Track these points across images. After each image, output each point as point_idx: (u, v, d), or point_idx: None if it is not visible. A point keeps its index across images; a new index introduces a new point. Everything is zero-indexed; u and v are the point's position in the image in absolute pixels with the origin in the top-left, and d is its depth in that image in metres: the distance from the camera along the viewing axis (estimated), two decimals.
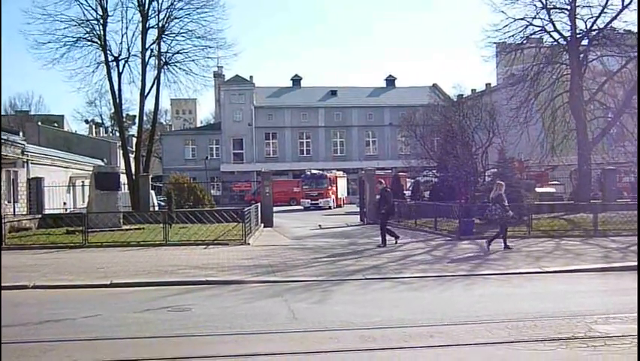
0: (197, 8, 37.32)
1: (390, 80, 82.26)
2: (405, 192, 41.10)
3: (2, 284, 13.14)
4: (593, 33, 33.44)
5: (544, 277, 15.12)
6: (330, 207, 55.23)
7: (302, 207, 56.42)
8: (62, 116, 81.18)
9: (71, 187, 41.63)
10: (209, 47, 37.96)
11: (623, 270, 15.80)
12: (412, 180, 43.16)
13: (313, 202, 56.37)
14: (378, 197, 24.46)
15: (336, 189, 60.21)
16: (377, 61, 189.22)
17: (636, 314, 10.28)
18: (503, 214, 20.15)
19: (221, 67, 66.63)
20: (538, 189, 37.04)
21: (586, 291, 13.16)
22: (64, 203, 38.37)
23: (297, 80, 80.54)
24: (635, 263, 16.68)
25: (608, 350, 8.29)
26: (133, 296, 12.98)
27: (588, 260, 17.45)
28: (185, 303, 12.02)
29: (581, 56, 33.19)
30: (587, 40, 33.71)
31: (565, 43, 33.56)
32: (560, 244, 21.01)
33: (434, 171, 38.96)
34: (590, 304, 11.35)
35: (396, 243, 21.69)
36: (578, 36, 33.26)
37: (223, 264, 17.36)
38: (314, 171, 60.22)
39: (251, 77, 77.30)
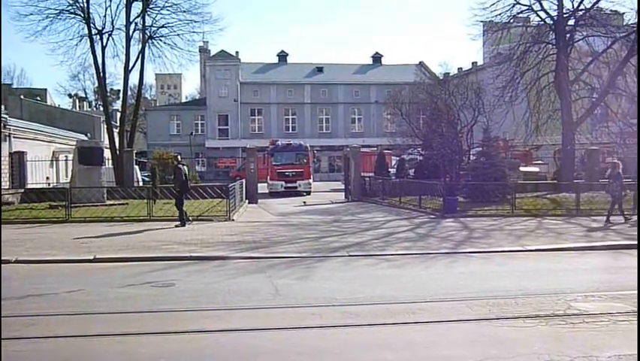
0: None
1: (377, 58, 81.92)
2: (390, 169, 41.18)
3: None
4: (580, 13, 33.42)
5: (526, 255, 15.28)
6: (309, 192, 40.23)
7: (268, 192, 39.99)
8: (45, 89, 79.98)
9: (54, 162, 41.23)
10: (195, 22, 37.57)
11: (603, 249, 16.00)
12: (397, 158, 43.19)
13: (288, 185, 40.46)
14: (172, 177, 23.94)
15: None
16: (364, 38, 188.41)
17: (615, 293, 10.47)
18: (620, 191, 21.52)
19: (207, 42, 65.83)
20: (522, 169, 37.32)
21: (566, 269, 13.31)
22: (47, 178, 38.06)
23: (283, 57, 80.00)
24: (615, 242, 16.95)
25: (587, 327, 8.43)
26: (116, 271, 12.96)
27: (570, 239, 17.65)
28: (168, 278, 12.03)
29: (567, 35, 33.20)
30: (573, 20, 33.69)
31: (551, 22, 33.54)
32: (543, 223, 21.20)
33: (419, 149, 39.00)
34: (571, 282, 11.50)
35: (177, 226, 20.31)
36: (564, 16, 33.23)
37: (207, 240, 17.36)
38: (287, 141, 46.72)
39: (237, 52, 76.69)
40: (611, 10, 35.02)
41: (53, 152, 41.19)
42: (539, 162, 43.51)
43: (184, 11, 37.09)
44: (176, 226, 20.24)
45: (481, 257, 14.94)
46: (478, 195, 26.27)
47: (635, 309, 9.28)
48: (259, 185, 35.00)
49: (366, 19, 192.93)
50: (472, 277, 12.58)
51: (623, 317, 8.91)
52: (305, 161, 42.28)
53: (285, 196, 38.12)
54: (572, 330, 8.29)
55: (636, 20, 32.01)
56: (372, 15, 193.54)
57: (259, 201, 32.35)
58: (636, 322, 8.63)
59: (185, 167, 21.94)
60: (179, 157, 23.52)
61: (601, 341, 7.77)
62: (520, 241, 17.19)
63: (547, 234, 18.79)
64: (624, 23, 34.97)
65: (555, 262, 14.30)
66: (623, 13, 36.11)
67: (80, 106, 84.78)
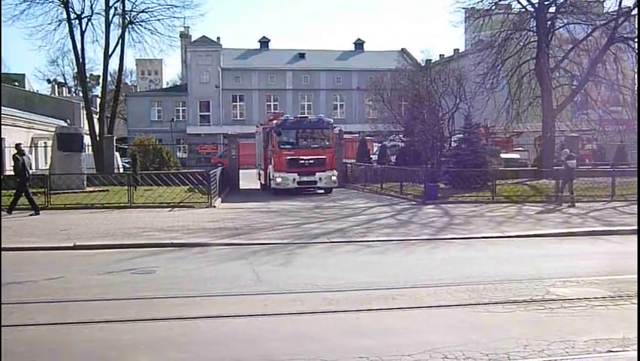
0: None
1: (359, 44, 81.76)
2: (371, 156, 41.28)
3: None
4: (560, 1, 33.58)
5: (506, 241, 15.41)
6: (331, 190, 28.85)
7: (270, 187, 29.34)
8: (23, 75, 78.82)
9: (33, 148, 40.73)
10: (175, 7, 37.23)
11: (582, 235, 16.18)
12: (379, 145, 43.29)
13: (304, 179, 28.01)
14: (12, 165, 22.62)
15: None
16: (346, 24, 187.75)
17: (593, 278, 10.61)
18: (566, 175, 22.33)
19: (188, 27, 65.41)
20: (503, 155, 37.61)
21: (545, 255, 13.45)
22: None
23: (264, 43, 79.57)
24: (593, 228, 17.15)
25: (565, 312, 8.53)
26: (96, 258, 12.91)
27: (549, 225, 17.81)
28: (149, 265, 12.00)
29: (548, 23, 33.33)
30: (554, 8, 33.84)
31: (532, 10, 33.64)
32: (522, 210, 21.39)
33: (401, 135, 39.14)
34: (549, 268, 11.61)
35: (32, 215, 19.78)
36: (545, 3, 33.35)
37: (188, 226, 17.30)
38: (302, 114, 36.11)
39: (218, 38, 76.15)
40: None
41: (32, 138, 40.75)
42: (520, 148, 43.84)
43: None
44: (31, 215, 19.76)
45: (462, 243, 15.04)
46: (459, 181, 26.43)
47: (612, 294, 9.43)
48: (250, 174, 34.91)
49: (349, 5, 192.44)
50: (452, 263, 12.67)
51: (600, 302, 9.04)
52: (328, 143, 28.72)
53: (300, 195, 27.16)
54: (550, 315, 8.39)
55: (617, 8, 32.25)
56: (355, 1, 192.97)
57: (241, 186, 32.29)
58: (613, 307, 8.78)
59: (25, 157, 21.08)
60: (21, 146, 21.65)
61: (578, 325, 7.87)
62: (500, 228, 17.33)
63: (526, 220, 18.96)
64: (604, 11, 35.22)
65: (534, 248, 14.44)
66: (603, 1, 36.44)
67: (59, 92, 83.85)
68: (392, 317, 8.47)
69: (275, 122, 29.10)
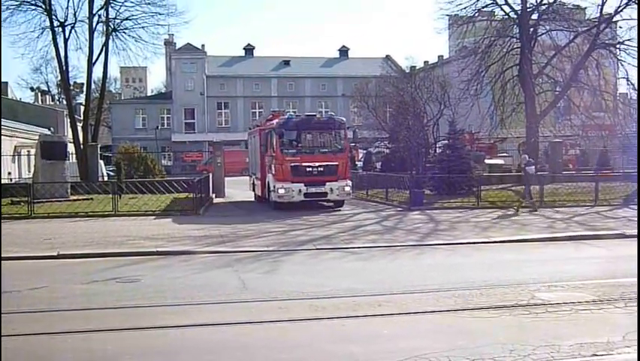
0: None
1: (344, 51, 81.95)
2: (357, 162, 41.34)
3: None
4: (543, 7, 33.94)
5: (491, 246, 15.47)
6: (342, 203, 24.48)
7: (270, 200, 24.43)
8: (6, 83, 78.26)
9: (17, 157, 40.45)
10: (159, 14, 37.00)
11: (566, 240, 16.29)
12: (364, 151, 43.36)
13: (312, 190, 23.33)
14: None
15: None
16: (330, 31, 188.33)
17: (577, 282, 10.69)
18: (528, 180, 23.22)
19: (172, 35, 64.99)
20: (487, 161, 37.73)
21: (530, 260, 13.52)
22: (9, 173, 37.29)
23: (249, 50, 79.57)
24: (577, 233, 17.28)
25: (550, 316, 8.58)
26: (81, 268, 12.80)
27: (533, 230, 17.91)
28: (134, 274, 11.93)
29: (531, 30, 33.67)
30: (536, 15, 34.17)
31: (515, 17, 33.96)
32: (507, 215, 21.47)
33: (386, 142, 39.24)
34: (534, 273, 11.67)
35: None
36: (528, 10, 33.69)
37: (173, 234, 17.22)
38: (311, 113, 29.61)
39: (203, 45, 76.01)
40: (573, 5, 35.72)
41: (15, 147, 40.42)
42: (504, 154, 44.04)
43: (148, 3, 36.52)
44: None
45: (447, 249, 15.09)
46: (445, 187, 26.52)
47: (596, 298, 9.49)
48: (236, 182, 34.81)
49: (334, 13, 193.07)
50: (437, 268, 12.71)
51: (585, 306, 9.09)
52: (340, 147, 24.01)
53: (306, 210, 22.51)
54: (535, 320, 8.44)
55: (598, 15, 32.62)
56: (340, 8, 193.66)
57: (226, 194, 32.19)
58: (598, 311, 8.84)
59: None
60: None
61: (563, 330, 7.92)
62: (486, 233, 17.41)
63: (511, 225, 19.04)
64: (586, 18, 35.60)
65: (519, 253, 14.53)
66: (585, 8, 36.84)
67: (42, 100, 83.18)
68: (378, 323, 8.47)
69: (276, 121, 24.19)
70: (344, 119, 24.86)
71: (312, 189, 23.00)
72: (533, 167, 23.84)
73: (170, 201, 24.43)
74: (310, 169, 23.05)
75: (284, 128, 23.33)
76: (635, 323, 7.64)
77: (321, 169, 23.10)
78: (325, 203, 24.12)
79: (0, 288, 9.86)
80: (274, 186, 23.15)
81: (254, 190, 28.79)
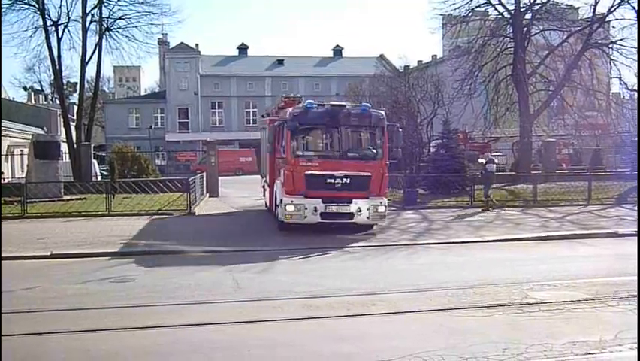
0: None
1: (338, 50, 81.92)
2: None
3: None
4: (536, 7, 33.97)
5: (484, 246, 15.53)
6: (371, 226, 17.72)
7: (277, 218, 18.08)
8: None
9: (9, 156, 40.29)
10: (153, 13, 36.87)
11: (559, 239, 16.36)
12: None
13: (333, 209, 16.83)
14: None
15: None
16: (324, 30, 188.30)
17: (569, 281, 10.73)
18: (485, 180, 23.03)
19: (166, 34, 64.59)
20: (481, 160, 37.79)
21: (523, 259, 13.58)
22: (2, 173, 37.11)
23: (243, 49, 79.46)
24: (570, 232, 17.34)
25: (543, 315, 8.62)
26: (74, 267, 12.77)
27: (527, 229, 17.98)
28: (127, 274, 11.91)
29: (524, 29, 33.68)
30: (530, 14, 34.21)
31: (509, 16, 33.97)
32: (500, 214, 21.52)
33: None
34: (527, 271, 11.72)
35: None
36: (521, 9, 33.71)
37: (167, 234, 17.19)
38: (336, 102, 20.19)
39: (196, 44, 75.84)
40: (566, 5, 35.74)
41: (8, 146, 40.24)
42: (498, 153, 44.12)
43: (141, 2, 36.39)
44: None
45: (441, 248, 15.14)
46: (438, 187, 26.55)
47: (588, 297, 9.53)
48: (229, 182, 34.74)
49: (327, 12, 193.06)
50: (431, 268, 12.74)
51: (577, 305, 9.14)
52: (375, 152, 17.58)
53: (324, 233, 16.80)
54: (529, 319, 8.47)
55: (591, 15, 32.70)
56: (333, 7, 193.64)
57: (220, 193, 32.15)
58: (590, 310, 8.88)
59: None
60: None
61: (556, 328, 7.95)
62: (479, 232, 17.46)
63: (504, 224, 19.11)
64: (579, 17, 35.67)
65: (512, 252, 14.59)
66: (578, 8, 36.89)
67: (35, 99, 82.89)
68: (371, 323, 8.48)
69: (289, 111, 17.65)
70: (383, 113, 18.17)
71: (333, 208, 16.77)
72: (494, 165, 23.98)
73: (164, 200, 24.36)
74: (332, 180, 16.76)
75: (298, 122, 17.06)
76: (629, 321, 7.69)
77: (347, 181, 16.80)
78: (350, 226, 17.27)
79: (0, 288, 9.80)
80: (281, 200, 17.22)
81: (264, 195, 23.98)
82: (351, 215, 16.86)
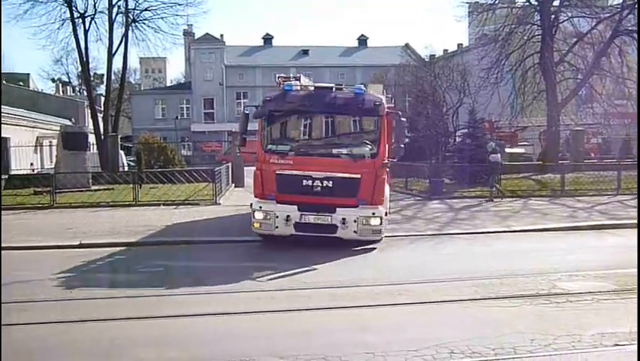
0: None
1: (363, 40, 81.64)
2: None
3: None
4: None
5: (511, 236, 15.38)
6: (370, 243, 13.59)
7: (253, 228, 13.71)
8: (28, 74, 78.79)
9: (39, 147, 40.91)
10: (178, 4, 37.23)
11: (587, 229, 16.15)
12: None
13: (315, 218, 13.14)
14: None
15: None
16: (349, 20, 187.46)
17: (598, 272, 10.60)
18: (491, 168, 22.85)
19: (191, 25, 65.00)
20: (507, 150, 37.45)
21: (551, 249, 13.42)
22: (32, 163, 37.75)
23: (268, 39, 79.56)
24: (599, 222, 17.11)
25: (571, 306, 8.53)
26: (102, 257, 12.91)
27: (554, 219, 17.77)
28: (155, 263, 12.01)
29: (552, 16, 33.21)
30: (558, 1, 33.73)
31: (536, 3, 33.52)
32: (528, 204, 21.32)
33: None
34: (554, 262, 11.60)
35: None
36: None
37: (194, 224, 17.30)
38: (326, 85, 15.20)
39: (221, 35, 76.14)
40: None
41: (37, 137, 40.85)
42: (525, 143, 43.68)
43: None
44: None
45: (467, 238, 15.03)
46: (464, 176, 26.35)
47: (618, 288, 9.41)
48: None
49: (352, 0, 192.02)
50: (457, 258, 12.67)
51: (606, 295, 9.03)
52: (369, 147, 13.54)
53: (308, 248, 13.26)
54: (556, 309, 8.39)
55: (621, 1, 32.14)
56: None
57: (245, 183, 32.24)
58: (619, 301, 8.76)
59: None
60: None
61: (585, 319, 7.86)
62: (506, 222, 17.29)
63: (532, 214, 18.91)
64: (608, 4, 35.08)
65: (539, 243, 14.42)
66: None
67: (63, 91, 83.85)
68: (398, 313, 8.47)
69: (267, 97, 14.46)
70: (382, 98, 14.33)
71: (311, 218, 13.22)
72: (498, 155, 23.71)
73: (190, 191, 24.53)
74: (310, 182, 13.25)
75: (272, 107, 13.91)
76: None
77: (330, 184, 13.23)
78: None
79: (0, 281, 9.95)
80: (251, 205, 13.98)
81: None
82: (333, 228, 13.13)
